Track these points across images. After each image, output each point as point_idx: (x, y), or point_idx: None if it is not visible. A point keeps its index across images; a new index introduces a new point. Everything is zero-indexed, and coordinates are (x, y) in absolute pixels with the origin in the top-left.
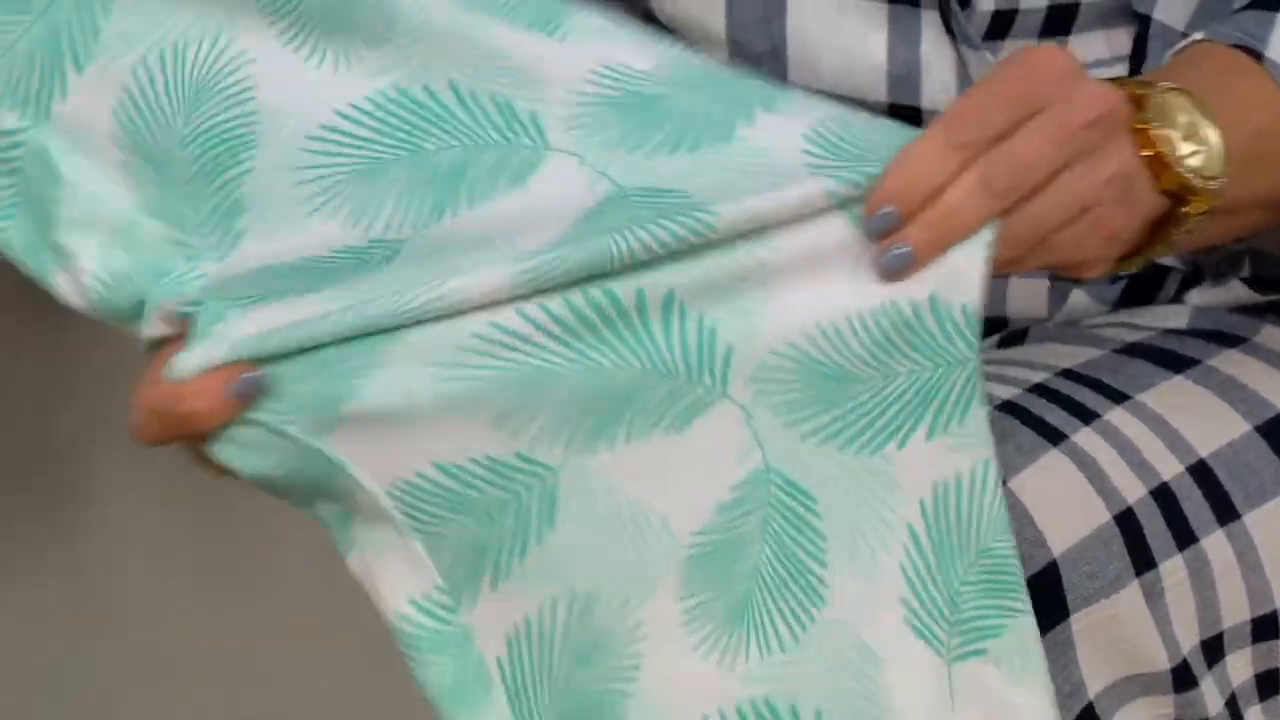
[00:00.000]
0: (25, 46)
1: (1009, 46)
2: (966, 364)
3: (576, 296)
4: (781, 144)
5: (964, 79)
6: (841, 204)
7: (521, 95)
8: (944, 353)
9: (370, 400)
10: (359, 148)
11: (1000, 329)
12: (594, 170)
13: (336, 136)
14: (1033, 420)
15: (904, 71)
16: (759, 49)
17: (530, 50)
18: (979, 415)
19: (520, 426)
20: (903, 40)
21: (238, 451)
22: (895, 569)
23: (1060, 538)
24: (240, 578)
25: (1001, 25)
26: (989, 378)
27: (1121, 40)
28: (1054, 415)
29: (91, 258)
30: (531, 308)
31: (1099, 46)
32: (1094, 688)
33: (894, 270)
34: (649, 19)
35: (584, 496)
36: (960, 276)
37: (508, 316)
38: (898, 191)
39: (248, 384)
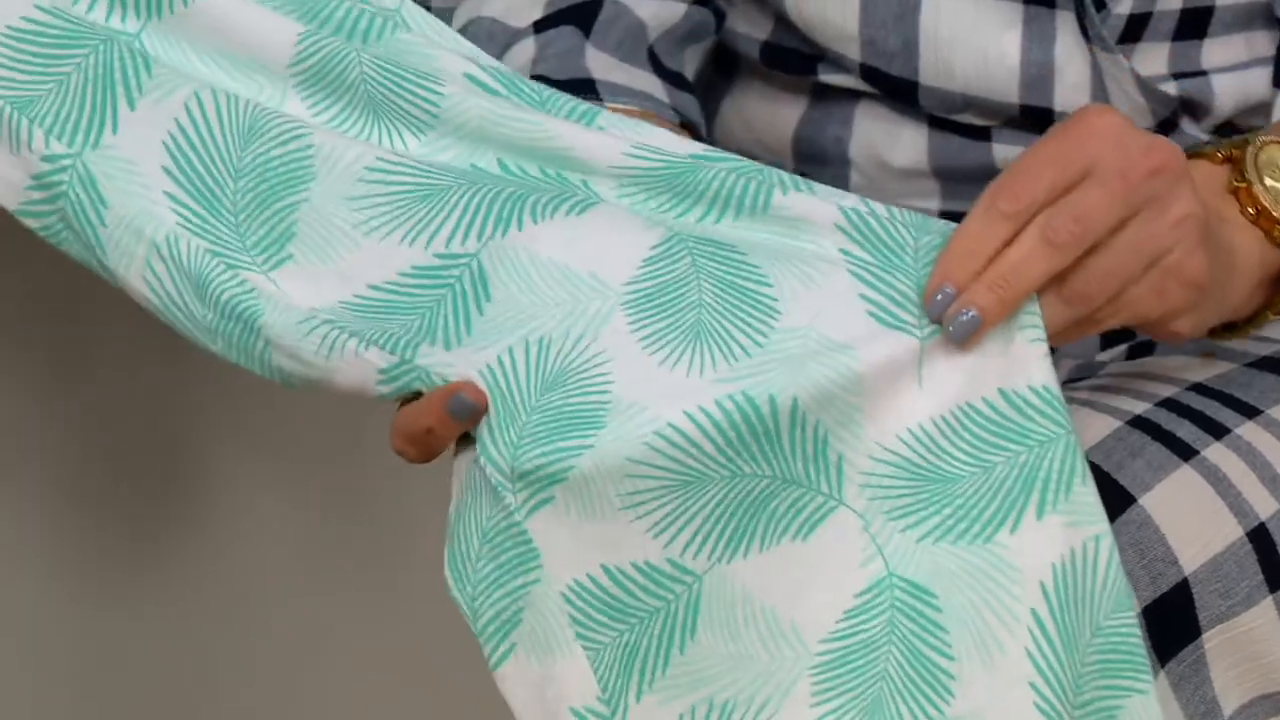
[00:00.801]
0: (78, 82)
1: (1143, 49)
2: (1057, 440)
3: (728, 403)
4: (820, 221)
5: (1097, 82)
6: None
7: (569, 167)
8: (1030, 434)
9: (573, 487)
10: (415, 175)
11: (1128, 339)
12: (646, 217)
13: (393, 167)
14: (1163, 435)
15: (1037, 73)
16: (891, 47)
17: (571, 133)
18: (1087, 490)
19: (675, 533)
20: (1037, 41)
21: (460, 489)
22: (1021, 654)
23: (1191, 555)
24: (367, 574)
25: (1136, 28)
26: (1118, 391)
27: (1262, 43)
28: (1185, 430)
29: (139, 278)
30: (698, 412)
31: (1238, 49)
32: (1228, 707)
33: (963, 337)
34: (780, 21)
35: (723, 604)
36: (1017, 360)
37: (679, 418)
38: (953, 268)
39: (459, 404)
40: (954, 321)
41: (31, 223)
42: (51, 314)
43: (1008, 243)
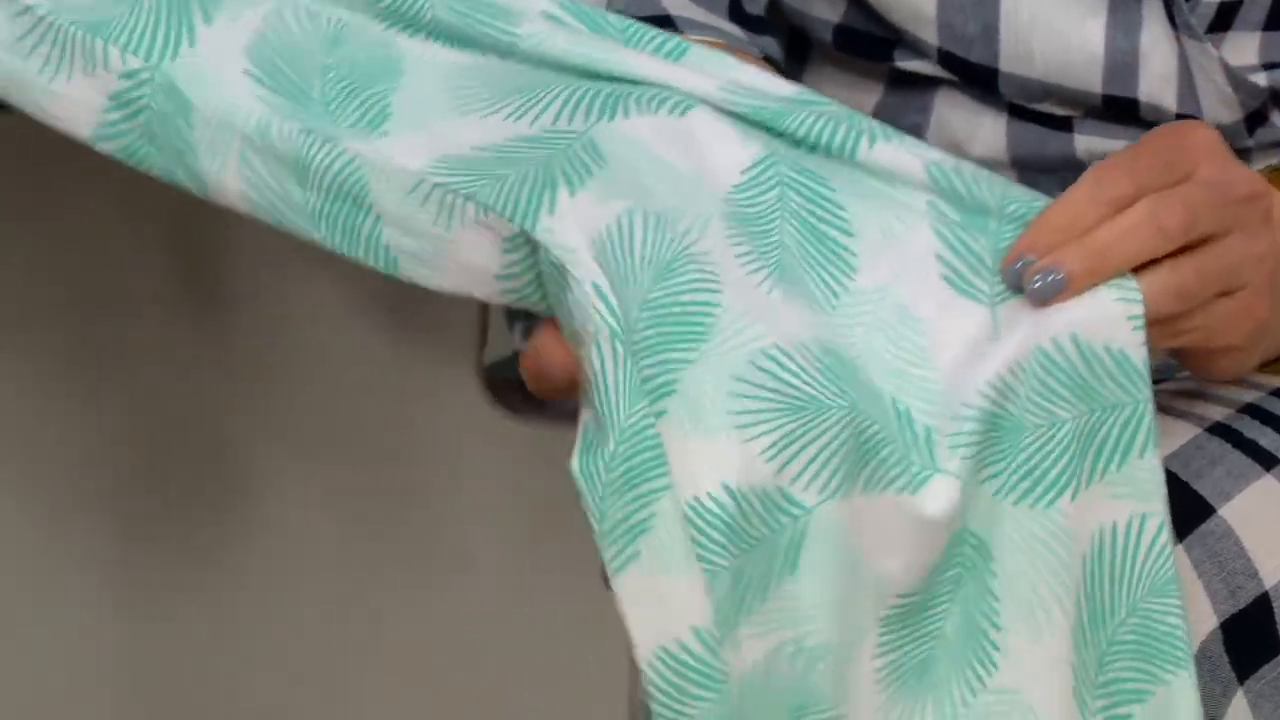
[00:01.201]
0: (151, 2)
1: (1233, 39)
2: (1122, 408)
3: (816, 347)
4: (907, 173)
5: (1184, 72)
6: (959, 275)
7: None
8: (1097, 395)
9: (686, 397)
10: (512, 73)
11: None
12: (746, 128)
13: (484, 67)
14: (1244, 443)
15: (1122, 61)
16: (970, 31)
17: (658, 69)
18: (1145, 465)
19: (789, 459)
20: (1122, 28)
21: (594, 366)
22: (1068, 631)
23: (1273, 568)
24: (413, 576)
25: (1226, 16)
26: (1197, 396)
27: None
28: (1267, 439)
29: (235, 174)
30: (797, 346)
31: None
32: None
33: (1043, 296)
34: (854, 3)
35: (824, 544)
36: (1099, 315)
37: (786, 343)
38: (1042, 238)
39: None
40: (1036, 280)
41: (108, 146)
42: (83, 306)
43: (1105, 220)
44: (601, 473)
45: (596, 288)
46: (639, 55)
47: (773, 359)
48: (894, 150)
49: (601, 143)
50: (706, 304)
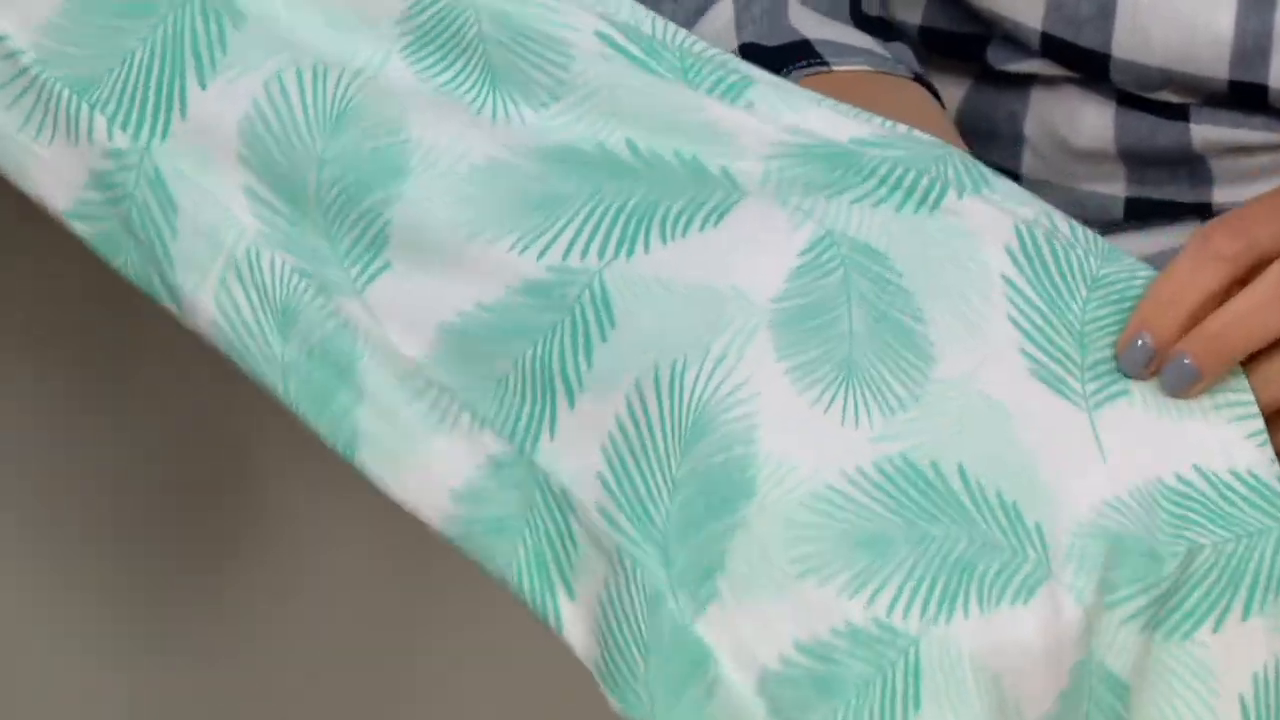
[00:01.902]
0: (144, 58)
1: None
2: (1269, 534)
3: (888, 465)
4: (989, 236)
5: None
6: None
7: (708, 150)
8: (1236, 522)
9: (735, 571)
10: (528, 180)
11: None
12: (796, 210)
13: (499, 171)
14: None
15: (1252, 44)
16: (1084, 11)
17: (713, 112)
18: None
19: (874, 591)
20: (1254, 8)
21: (600, 585)
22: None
23: None
24: (434, 603)
25: None
26: None
27: None
28: None
29: (210, 298)
30: (857, 475)
31: None
32: None
33: (1177, 387)
34: (938, 1)
35: (945, 674)
36: (1222, 443)
37: (838, 480)
38: (1154, 315)
39: None
40: (1167, 375)
41: (82, 228)
42: (87, 310)
43: (1220, 292)
44: (639, 692)
45: (601, 509)
46: (695, 96)
47: (827, 501)
48: (981, 207)
49: (615, 294)
50: (744, 458)
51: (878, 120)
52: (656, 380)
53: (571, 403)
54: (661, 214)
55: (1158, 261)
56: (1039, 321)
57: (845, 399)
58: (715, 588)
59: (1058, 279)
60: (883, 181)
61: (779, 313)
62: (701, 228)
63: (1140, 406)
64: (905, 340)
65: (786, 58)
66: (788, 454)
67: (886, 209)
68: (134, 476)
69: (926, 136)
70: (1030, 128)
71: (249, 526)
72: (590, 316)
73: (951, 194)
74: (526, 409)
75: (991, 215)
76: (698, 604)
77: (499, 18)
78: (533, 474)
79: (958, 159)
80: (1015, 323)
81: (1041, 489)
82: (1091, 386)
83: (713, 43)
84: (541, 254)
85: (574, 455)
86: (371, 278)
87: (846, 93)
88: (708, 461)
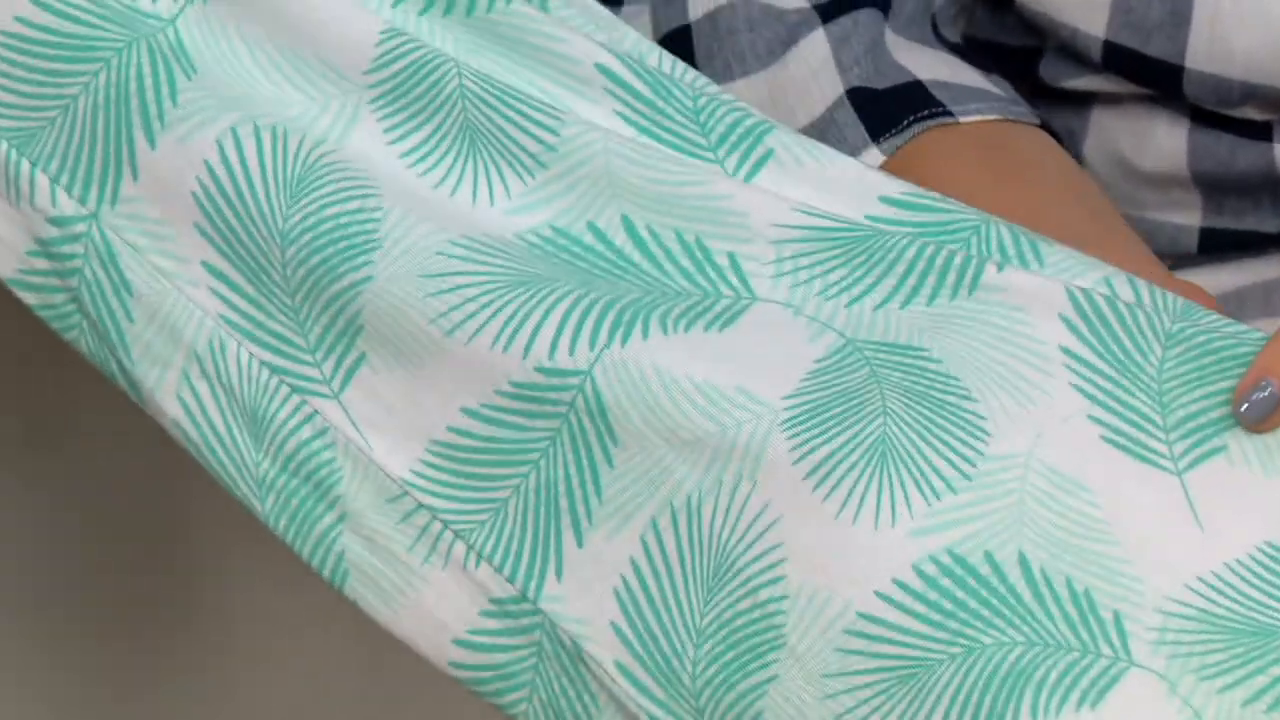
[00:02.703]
0: (87, 108)
1: None
2: None
3: (931, 567)
4: (1040, 310)
5: None
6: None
7: (714, 233)
8: None
9: None
10: (508, 259)
11: None
12: (812, 320)
13: (477, 249)
14: None
15: None
16: (1153, 17)
17: (721, 186)
18: None
19: None
20: None
21: None
22: None
23: None
24: (389, 686)
25: None
26: None
27: None
28: None
29: (172, 397)
30: (895, 590)
31: None
32: None
33: None
34: (989, 9)
35: None
36: None
37: (872, 604)
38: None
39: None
40: None
41: (29, 297)
42: (21, 368)
43: None
44: None
45: (621, 668)
46: (701, 167)
47: (862, 635)
48: (1027, 278)
49: (611, 401)
50: (771, 601)
51: (899, 184)
52: (674, 519)
53: (580, 540)
54: (662, 311)
55: (1237, 300)
56: (1107, 386)
57: (878, 493)
58: None
59: (1125, 341)
60: (910, 269)
61: (793, 410)
62: (706, 330)
63: (1241, 464)
64: (952, 416)
65: (903, 104)
66: (816, 589)
67: (916, 306)
68: (58, 543)
69: (955, 204)
70: (1090, 151)
71: (183, 593)
72: (589, 429)
73: (989, 269)
74: (529, 544)
75: (1039, 285)
76: None
77: (480, 77)
78: (539, 620)
79: (1000, 226)
80: (1080, 390)
81: (1120, 570)
82: (1180, 447)
83: (807, 81)
84: (527, 349)
85: (584, 600)
86: (349, 375)
87: (975, 146)
88: (734, 610)
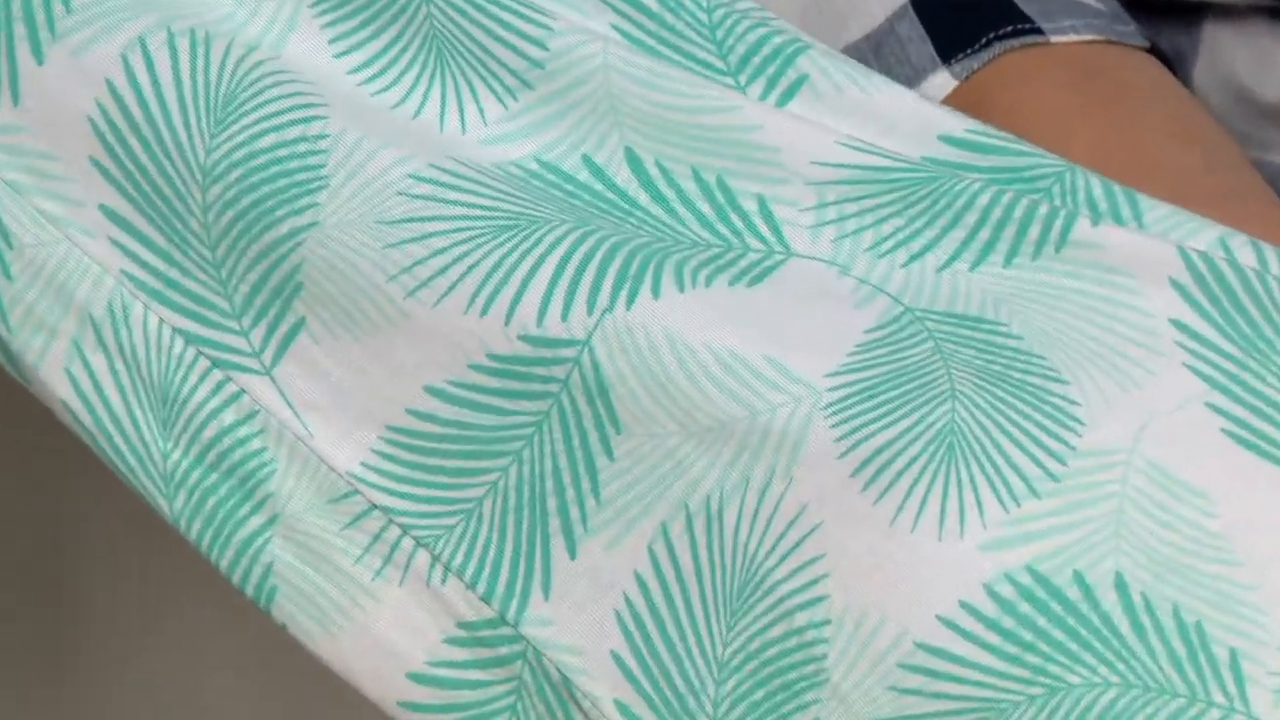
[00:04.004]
0: None
1: None
2: None
3: (1006, 588)
4: (1146, 274)
5: None
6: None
7: (740, 171)
8: None
9: None
10: (489, 196)
11: None
12: (862, 282)
13: (447, 185)
14: None
15: None
16: None
17: (749, 114)
18: None
19: None
20: None
21: None
22: None
23: None
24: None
25: None
26: None
27: None
28: None
29: (60, 371)
30: (963, 616)
31: None
32: None
33: None
34: None
35: None
36: None
37: (935, 633)
38: None
39: None
40: None
41: None
42: None
43: None
44: None
45: (622, 707)
46: (722, 89)
47: (923, 671)
48: (1127, 236)
49: (612, 375)
50: (810, 627)
51: (964, 120)
52: (689, 524)
53: (572, 550)
54: (677, 260)
55: None
56: (1231, 368)
57: (943, 495)
58: None
59: (1255, 314)
60: (983, 220)
61: (840, 388)
62: (731, 284)
63: None
64: (1037, 401)
65: (983, 17)
66: (864, 613)
67: (990, 267)
68: None
69: (1032, 147)
70: (1201, 76)
71: (70, 628)
72: (585, 413)
73: (1081, 222)
74: (509, 555)
75: (1144, 245)
76: None
77: None
78: (520, 648)
79: (1089, 176)
80: (1197, 373)
81: (1240, 598)
82: None
83: None
84: (510, 314)
85: (578, 624)
86: (283, 346)
87: (1069, 72)
88: (764, 638)
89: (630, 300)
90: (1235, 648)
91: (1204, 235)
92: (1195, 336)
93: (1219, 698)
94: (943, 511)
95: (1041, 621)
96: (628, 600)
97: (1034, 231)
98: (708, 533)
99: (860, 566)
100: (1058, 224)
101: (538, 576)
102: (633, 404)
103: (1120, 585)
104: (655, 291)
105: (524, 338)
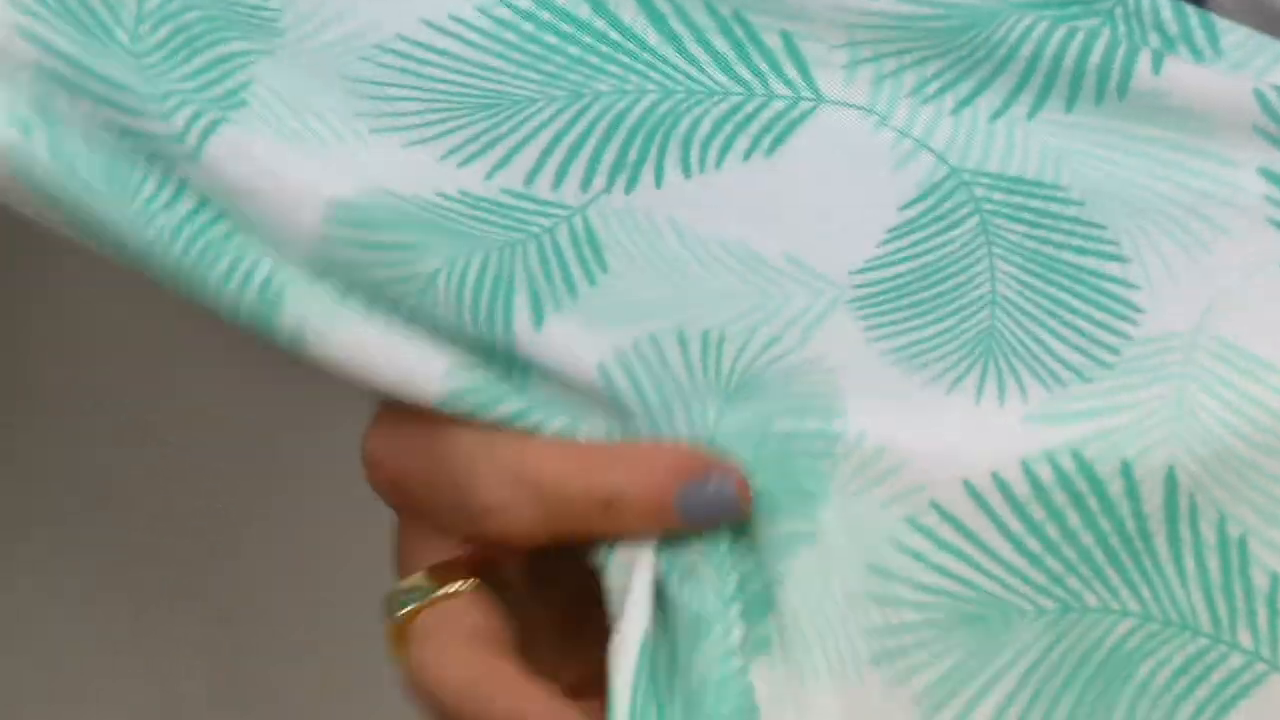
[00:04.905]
0: None
1: None
2: None
3: (1044, 468)
4: (1224, 116)
5: None
6: None
7: (757, 4)
8: None
9: (789, 615)
10: (471, 74)
11: None
12: (902, 135)
13: (415, 54)
14: None
15: None
16: None
17: None
18: None
19: (970, 708)
20: None
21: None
22: None
23: None
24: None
25: None
26: None
27: None
28: None
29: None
30: (988, 483)
31: None
32: None
33: None
34: None
35: None
36: None
37: (955, 494)
38: None
39: (716, 499)
40: None
41: None
42: None
43: None
44: None
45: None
46: None
47: (931, 535)
48: (1197, 73)
49: (607, 239)
50: (819, 437)
51: None
52: (682, 339)
53: (539, 322)
54: (686, 129)
55: None
56: None
57: (980, 374)
58: (767, 633)
59: None
60: (1037, 58)
61: (866, 285)
62: (747, 155)
63: None
64: (1090, 293)
65: None
66: (889, 441)
67: (1050, 113)
68: None
69: None
70: None
71: None
72: (569, 250)
73: (1143, 63)
74: (484, 313)
75: (1222, 85)
76: (752, 647)
77: None
78: (510, 403)
79: (1153, 6)
80: None
81: None
82: None
83: None
84: (493, 171)
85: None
86: (213, 126)
87: None
88: (765, 428)
89: (630, 186)
90: (1277, 572)
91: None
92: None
93: (1245, 639)
94: (981, 385)
95: (1074, 520)
96: (617, 353)
97: (1093, 72)
98: (704, 350)
99: (884, 404)
100: (1116, 62)
101: (506, 329)
102: (626, 257)
103: (1170, 482)
104: (658, 180)
105: (508, 191)
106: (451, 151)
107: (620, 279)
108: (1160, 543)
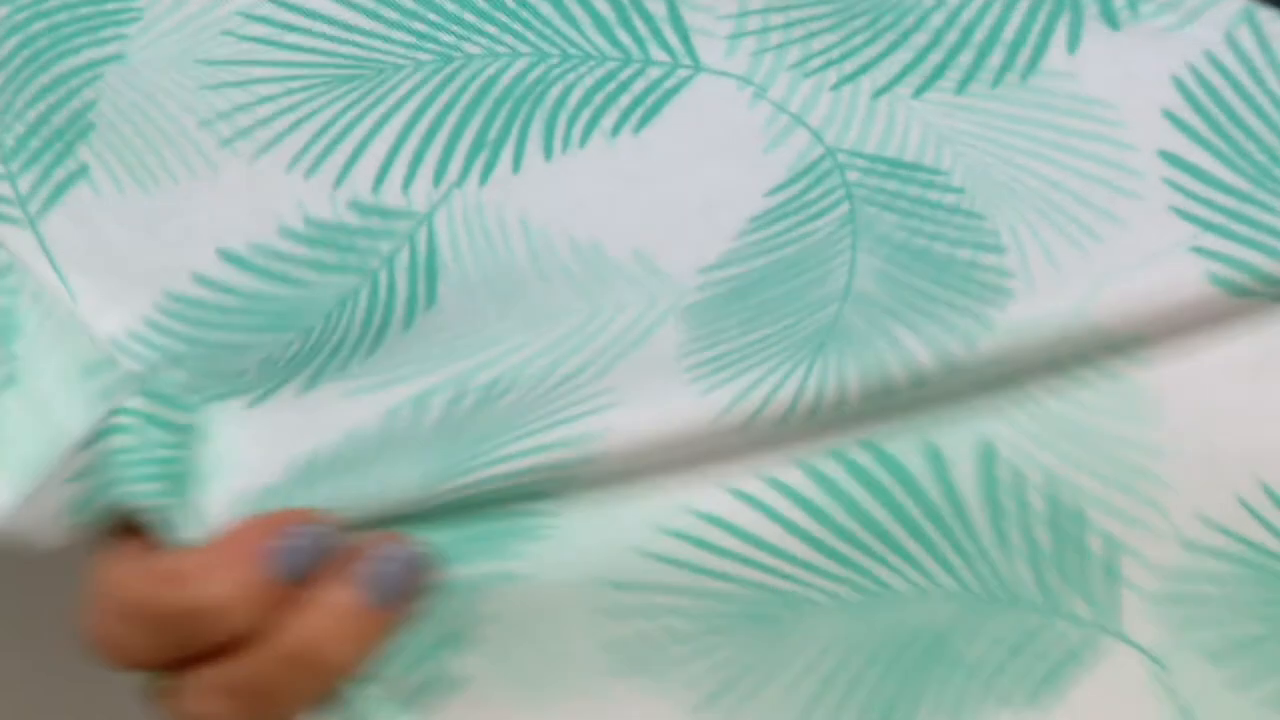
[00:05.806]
0: None
1: None
2: None
3: (831, 465)
4: (1132, 100)
5: None
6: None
7: None
8: None
9: (511, 628)
10: (331, 40)
11: None
12: (779, 110)
13: (292, 18)
14: None
15: None
16: None
17: None
18: None
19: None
20: None
21: None
22: None
23: None
24: None
25: None
26: None
27: None
28: None
29: None
30: (763, 488)
31: None
32: None
33: None
34: None
35: None
36: None
37: (718, 502)
38: None
39: (305, 548)
40: None
41: None
42: None
43: None
44: None
45: None
46: None
47: (692, 539)
48: (1117, 48)
49: (446, 256)
50: (562, 443)
51: None
52: (456, 401)
53: (308, 386)
54: (554, 100)
55: None
56: (1231, 204)
57: (779, 382)
58: (466, 671)
59: (1266, 133)
60: (936, 40)
61: (711, 286)
62: (615, 131)
63: None
64: (959, 282)
65: None
66: (643, 452)
67: (937, 94)
68: None
69: None
70: None
71: None
72: (401, 290)
73: (1056, 45)
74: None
75: (1139, 65)
76: (443, 691)
77: None
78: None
79: None
80: (1186, 214)
81: (1144, 468)
82: None
83: None
84: (342, 176)
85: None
86: (56, 194)
87: None
88: (494, 446)
89: (485, 173)
90: (1120, 543)
91: (1204, 38)
92: (1187, 167)
93: (1081, 607)
94: (770, 394)
95: (873, 508)
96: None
97: (996, 54)
98: (476, 406)
99: (641, 403)
100: (1027, 46)
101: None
102: (459, 283)
103: (988, 462)
104: (516, 164)
105: (354, 205)
106: (303, 151)
107: (440, 314)
108: (978, 517)
